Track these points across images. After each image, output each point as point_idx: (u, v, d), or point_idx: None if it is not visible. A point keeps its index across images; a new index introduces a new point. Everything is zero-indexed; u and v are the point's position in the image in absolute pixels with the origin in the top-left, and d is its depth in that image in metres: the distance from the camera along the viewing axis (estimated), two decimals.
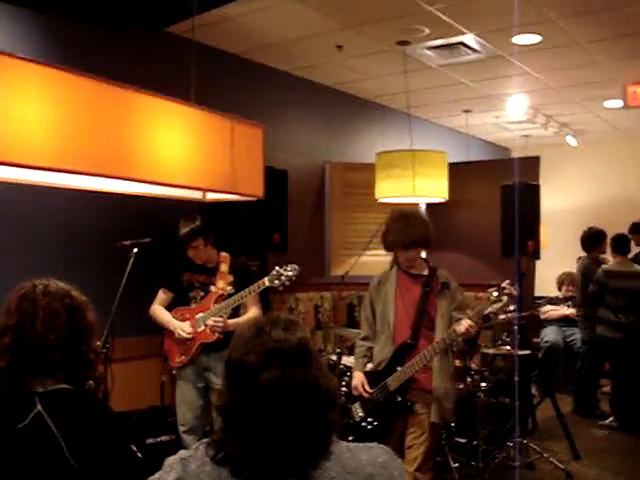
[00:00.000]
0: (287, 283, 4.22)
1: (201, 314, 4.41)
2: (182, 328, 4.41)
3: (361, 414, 3.86)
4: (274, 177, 5.38)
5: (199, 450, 1.55)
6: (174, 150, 2.98)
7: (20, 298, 2.09)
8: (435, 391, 3.71)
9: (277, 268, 4.22)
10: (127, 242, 4.29)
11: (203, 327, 4.38)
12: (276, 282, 4.19)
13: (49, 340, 2.02)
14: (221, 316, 4.34)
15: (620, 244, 6.68)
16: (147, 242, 4.30)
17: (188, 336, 4.40)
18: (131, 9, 5.00)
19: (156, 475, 1.57)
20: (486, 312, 3.70)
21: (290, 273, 4.19)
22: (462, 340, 3.71)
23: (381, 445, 1.59)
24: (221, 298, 4.42)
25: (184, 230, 4.33)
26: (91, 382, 2.13)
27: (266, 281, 4.22)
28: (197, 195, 3.51)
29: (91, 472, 1.95)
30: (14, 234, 4.59)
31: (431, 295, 3.81)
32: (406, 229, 3.74)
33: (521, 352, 5.45)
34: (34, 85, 2.52)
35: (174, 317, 4.52)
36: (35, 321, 2.03)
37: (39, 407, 1.96)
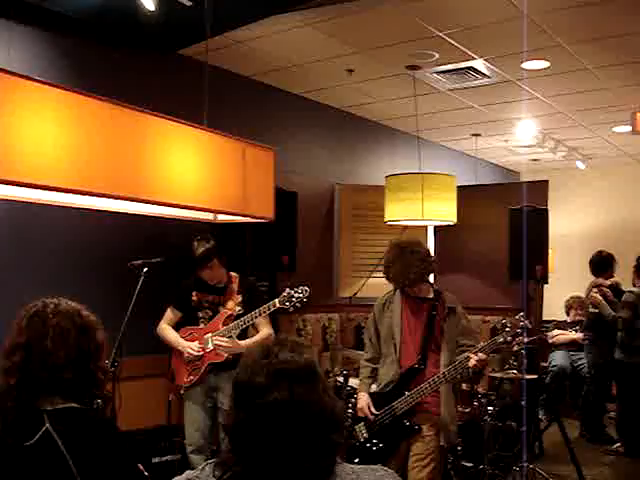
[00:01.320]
0: (298, 305, 4.24)
1: (210, 334, 4.43)
2: (191, 347, 4.43)
3: (365, 435, 3.86)
4: (284, 199, 5.41)
5: (205, 470, 1.57)
6: (186, 172, 3.02)
7: (31, 317, 2.10)
8: (443, 416, 3.72)
9: (288, 290, 4.23)
10: (138, 262, 4.32)
11: (212, 347, 4.40)
12: (287, 304, 4.21)
13: (59, 358, 2.04)
14: (230, 337, 4.36)
15: None
16: (157, 262, 4.33)
17: (197, 354, 4.41)
18: (145, 32, 5.09)
19: None
20: (498, 344, 3.72)
21: (301, 295, 4.21)
22: (471, 372, 3.73)
23: (385, 467, 1.60)
24: (230, 319, 4.43)
25: (200, 250, 4.34)
26: (99, 401, 2.14)
27: (277, 302, 4.23)
28: (208, 216, 3.54)
29: None
30: (26, 252, 4.63)
31: (437, 319, 3.83)
32: (404, 271, 3.75)
33: (528, 376, 5.44)
34: (50, 107, 2.57)
35: (182, 337, 4.54)
36: (45, 340, 2.05)
37: (47, 425, 1.98)
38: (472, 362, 3.61)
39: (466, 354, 3.66)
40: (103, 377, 2.14)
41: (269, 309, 4.26)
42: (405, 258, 3.77)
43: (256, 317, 4.30)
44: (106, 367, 2.19)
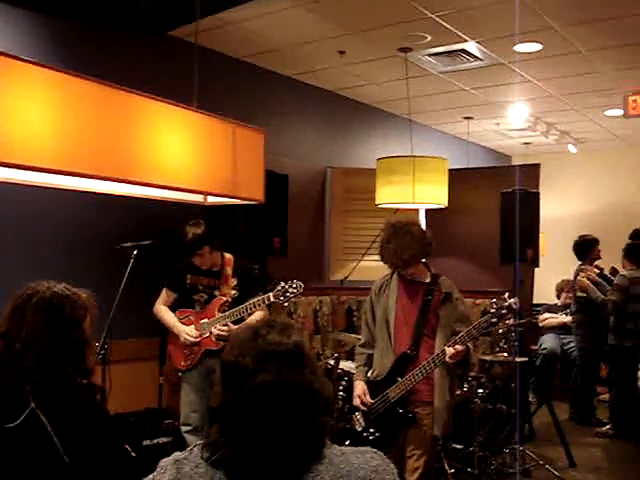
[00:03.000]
0: (292, 299, 4.27)
1: (206, 320, 4.42)
2: (187, 333, 4.43)
3: (362, 424, 3.84)
4: (275, 181, 5.40)
5: (193, 452, 1.56)
6: (175, 153, 2.99)
7: (14, 307, 2.08)
8: (436, 404, 3.67)
9: (282, 284, 4.22)
10: (127, 244, 4.31)
11: (208, 334, 4.40)
12: (281, 298, 4.21)
13: (27, 360, 2.01)
14: (225, 325, 4.35)
15: (636, 252, 6.68)
16: (147, 244, 4.32)
17: (195, 340, 4.41)
18: (134, 13, 5.04)
19: (150, 476, 1.58)
20: (477, 333, 3.62)
21: (295, 290, 4.21)
22: (453, 364, 3.63)
23: (374, 450, 1.59)
24: (226, 305, 4.42)
25: (190, 237, 4.31)
26: (85, 381, 2.12)
27: (272, 297, 4.22)
28: (198, 198, 3.52)
29: (84, 469, 1.96)
30: (15, 235, 4.61)
31: (433, 304, 3.74)
32: (398, 251, 3.64)
33: (519, 359, 5.46)
34: (37, 88, 2.53)
35: (178, 319, 4.54)
36: (17, 340, 2.03)
37: (33, 405, 1.97)
38: (448, 354, 3.53)
39: (444, 347, 3.59)
40: (81, 380, 2.10)
41: (264, 302, 4.26)
42: (399, 239, 3.66)
43: (251, 309, 4.30)
44: (90, 366, 2.15)
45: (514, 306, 3.59)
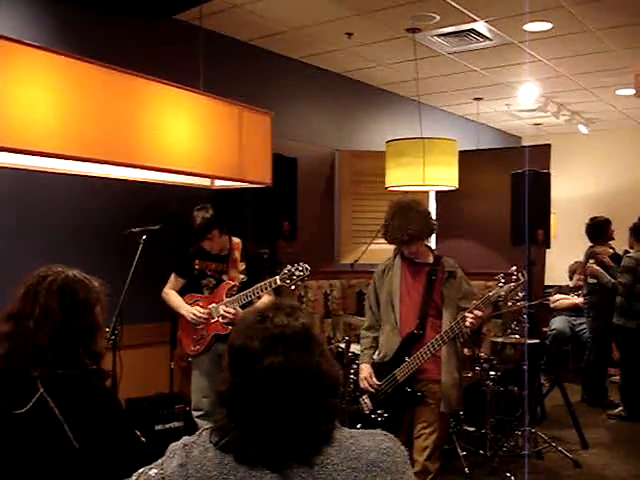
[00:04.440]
0: (299, 283, 4.24)
1: (214, 305, 4.42)
2: (194, 312, 4.42)
3: (370, 407, 3.83)
4: (284, 165, 5.37)
5: (202, 436, 1.55)
6: (182, 137, 2.97)
7: (26, 288, 2.08)
8: (443, 381, 3.69)
9: (289, 267, 4.21)
10: (136, 229, 4.30)
11: (217, 319, 4.39)
12: (288, 281, 4.19)
13: (41, 340, 2.02)
14: (234, 308, 4.35)
15: None
16: (156, 229, 4.31)
17: (202, 316, 4.41)
18: None
19: (159, 461, 1.57)
20: (493, 298, 3.68)
21: (302, 274, 4.19)
22: (469, 331, 3.69)
23: (384, 432, 1.58)
24: (233, 289, 4.42)
25: (198, 221, 4.30)
26: (94, 367, 2.12)
27: (278, 280, 4.21)
28: (205, 182, 3.50)
29: (94, 455, 1.96)
30: (24, 220, 4.60)
31: (437, 284, 3.77)
32: (403, 226, 3.66)
33: (530, 341, 5.44)
34: (41, 72, 2.52)
35: (187, 303, 4.53)
36: (30, 318, 2.03)
37: (42, 391, 1.97)
38: (468, 321, 3.55)
39: (461, 314, 3.62)
40: (91, 362, 2.10)
41: (270, 286, 4.25)
42: (404, 214, 3.70)
43: (258, 294, 4.29)
44: (99, 349, 2.16)
45: (522, 278, 3.63)
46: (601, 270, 6.71)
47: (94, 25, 4.96)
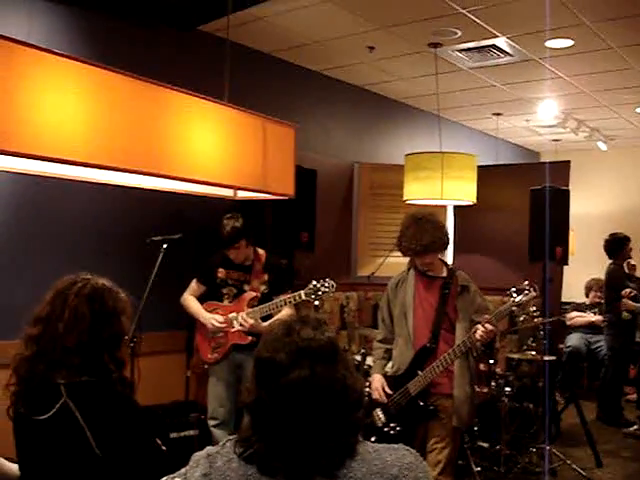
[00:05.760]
0: (324, 299, 4.26)
1: (234, 314, 4.43)
2: (214, 318, 4.43)
3: (383, 419, 3.83)
4: (303, 176, 5.37)
5: (226, 447, 1.56)
6: (207, 148, 3.00)
7: (56, 292, 2.12)
8: (456, 395, 3.69)
9: (314, 283, 4.22)
10: (157, 237, 4.33)
11: (236, 328, 4.40)
12: (312, 297, 4.21)
13: (69, 342, 2.04)
14: (254, 318, 4.35)
15: None
16: (177, 238, 4.34)
17: (221, 326, 4.41)
18: (166, 8, 5.06)
19: (182, 470, 1.58)
20: (505, 312, 3.69)
21: (327, 290, 4.21)
22: (480, 345, 3.69)
23: (406, 447, 1.59)
24: (255, 300, 4.43)
25: (228, 230, 4.32)
26: (115, 375, 2.14)
27: (303, 295, 4.23)
28: (228, 193, 3.52)
29: (115, 462, 1.97)
30: (46, 228, 4.65)
31: (450, 297, 3.78)
32: (417, 236, 3.67)
33: (547, 358, 5.42)
34: (70, 81, 2.55)
35: (206, 311, 4.54)
36: (60, 321, 2.06)
37: (65, 397, 1.99)
38: (478, 333, 3.54)
39: (474, 329, 3.61)
40: (115, 367, 2.13)
41: (294, 300, 4.25)
42: (418, 225, 3.71)
43: (281, 306, 4.29)
44: (124, 357, 2.19)
45: (534, 293, 3.63)
46: (632, 303, 6.70)
47: (120, 35, 5.01)
